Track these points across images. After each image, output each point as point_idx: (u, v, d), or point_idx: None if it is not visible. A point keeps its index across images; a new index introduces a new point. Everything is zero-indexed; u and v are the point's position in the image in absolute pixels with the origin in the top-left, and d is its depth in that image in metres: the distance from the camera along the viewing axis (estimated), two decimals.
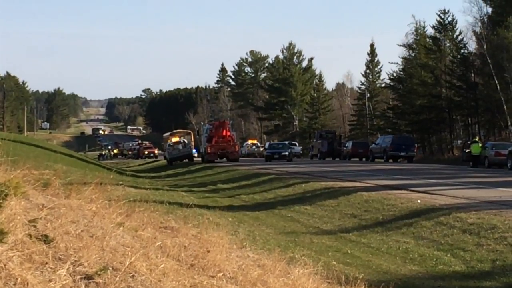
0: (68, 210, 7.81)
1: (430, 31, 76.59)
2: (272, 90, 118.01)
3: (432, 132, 74.68)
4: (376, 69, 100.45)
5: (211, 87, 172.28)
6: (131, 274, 6.20)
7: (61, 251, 6.23)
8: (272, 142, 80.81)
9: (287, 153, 58.80)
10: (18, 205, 6.73)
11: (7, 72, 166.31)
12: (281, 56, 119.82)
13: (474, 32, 68.68)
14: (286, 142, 76.37)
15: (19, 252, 5.72)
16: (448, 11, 73.63)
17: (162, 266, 6.82)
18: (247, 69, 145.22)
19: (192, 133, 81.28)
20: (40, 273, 5.59)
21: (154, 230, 9.40)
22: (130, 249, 7.00)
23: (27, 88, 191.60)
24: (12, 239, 5.86)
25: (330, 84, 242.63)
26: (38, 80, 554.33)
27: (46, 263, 5.82)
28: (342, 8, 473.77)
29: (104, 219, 8.29)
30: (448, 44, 73.83)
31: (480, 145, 44.75)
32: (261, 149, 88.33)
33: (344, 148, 66.53)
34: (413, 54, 78.38)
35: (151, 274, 6.40)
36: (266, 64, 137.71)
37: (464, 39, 72.15)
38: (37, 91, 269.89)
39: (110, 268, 6.12)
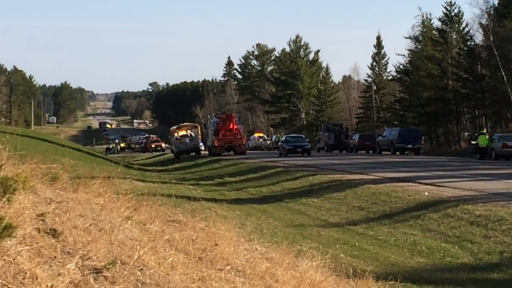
0: (76, 204, 7.84)
1: (436, 23, 76.55)
2: (279, 83, 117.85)
3: (439, 124, 74.50)
4: (382, 61, 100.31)
5: (217, 80, 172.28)
6: (140, 268, 6.22)
7: (69, 245, 6.25)
8: (279, 135, 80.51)
9: (309, 146, 56.50)
10: (27, 199, 6.75)
11: (14, 67, 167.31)
12: (287, 49, 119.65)
13: (481, 24, 68.45)
14: (294, 134, 76.29)
15: (28, 246, 5.74)
16: (455, 3, 73.53)
17: (170, 259, 6.84)
18: (254, 62, 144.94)
19: (199, 127, 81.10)
20: (49, 267, 5.61)
21: (162, 224, 9.43)
22: (139, 243, 7.01)
23: (34, 82, 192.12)
24: (21, 233, 5.88)
25: (336, 77, 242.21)
26: (45, 74, 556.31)
27: (55, 257, 5.84)
28: (348, 1, 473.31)
29: (112, 213, 8.32)
30: (454, 36, 73.60)
31: (487, 137, 44.66)
32: (268, 142, 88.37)
33: (351, 140, 66.49)
34: (419, 47, 78.22)
35: (160, 267, 6.42)
36: (273, 57, 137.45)
37: (471, 31, 72.00)
38: (44, 85, 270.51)
39: (119, 262, 6.14)
